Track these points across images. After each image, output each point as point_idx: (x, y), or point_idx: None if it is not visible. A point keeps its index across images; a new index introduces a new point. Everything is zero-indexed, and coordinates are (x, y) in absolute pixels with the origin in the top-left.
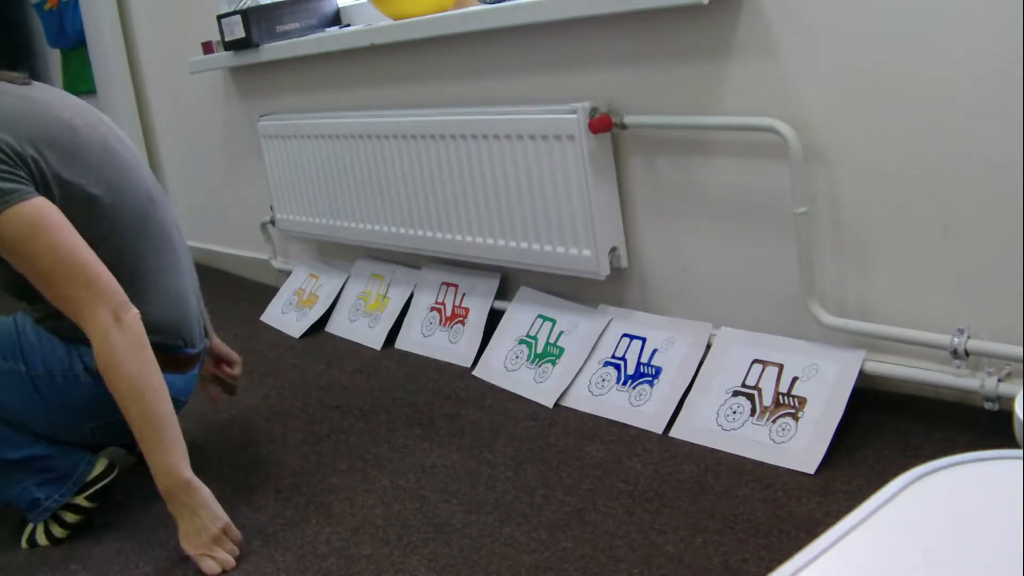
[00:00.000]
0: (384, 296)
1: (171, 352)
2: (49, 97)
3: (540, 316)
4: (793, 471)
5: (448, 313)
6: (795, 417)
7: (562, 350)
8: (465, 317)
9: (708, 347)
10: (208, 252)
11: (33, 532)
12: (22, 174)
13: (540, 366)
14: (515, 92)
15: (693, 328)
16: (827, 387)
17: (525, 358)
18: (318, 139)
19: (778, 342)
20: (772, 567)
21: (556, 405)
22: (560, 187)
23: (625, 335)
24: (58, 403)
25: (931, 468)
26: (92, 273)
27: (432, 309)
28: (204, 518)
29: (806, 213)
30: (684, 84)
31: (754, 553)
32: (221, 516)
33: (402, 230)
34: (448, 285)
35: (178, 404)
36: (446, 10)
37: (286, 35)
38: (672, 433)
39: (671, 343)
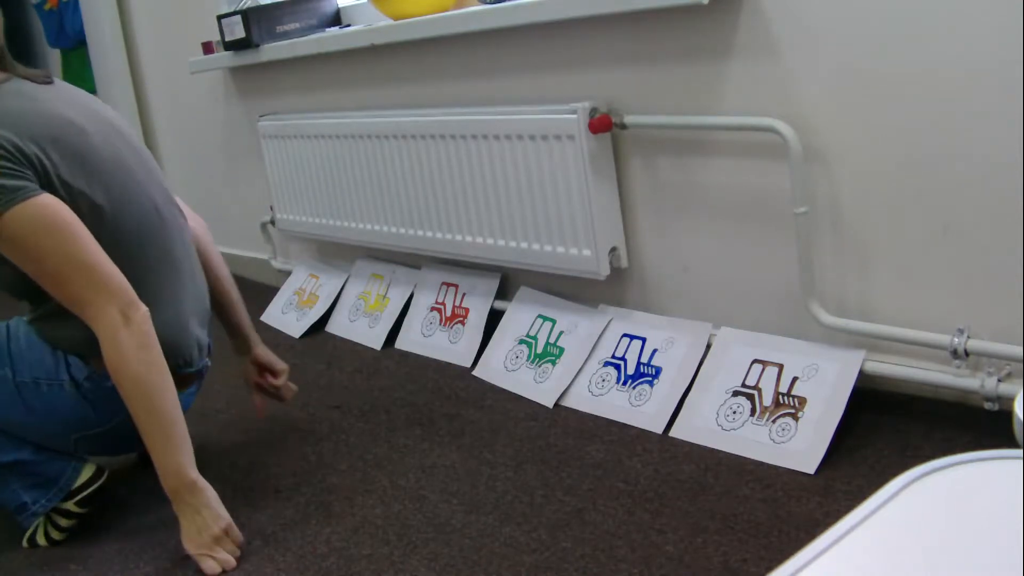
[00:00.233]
0: (384, 296)
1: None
2: (65, 98)
3: (540, 316)
4: (793, 471)
5: (448, 313)
6: (795, 417)
7: (562, 350)
8: (465, 317)
9: (708, 347)
10: None
11: (33, 533)
12: (28, 172)
13: (540, 366)
14: (515, 92)
15: (693, 328)
16: (827, 387)
17: (525, 358)
18: (318, 139)
19: (778, 342)
20: (772, 567)
21: (556, 405)
22: (560, 187)
23: (625, 335)
24: (41, 411)
25: (931, 468)
26: (101, 272)
27: (432, 309)
28: (207, 517)
29: (806, 213)
30: (684, 84)
31: (754, 553)
32: (223, 516)
33: (402, 230)
34: (448, 285)
35: None
36: (446, 10)
37: (286, 35)
38: (672, 433)
39: (671, 343)
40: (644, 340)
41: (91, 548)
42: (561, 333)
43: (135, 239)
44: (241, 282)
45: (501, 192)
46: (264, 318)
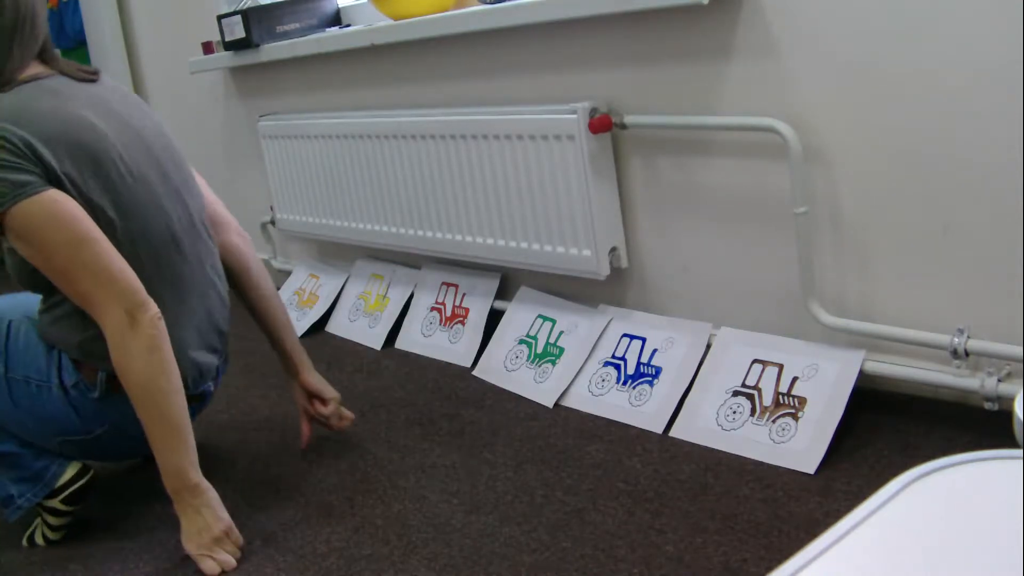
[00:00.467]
0: (384, 296)
1: None
2: (98, 103)
3: (540, 316)
4: (793, 471)
5: (448, 313)
6: (795, 417)
7: (562, 350)
8: (465, 317)
9: (708, 347)
10: None
11: (32, 533)
12: (37, 170)
13: (540, 366)
14: (515, 92)
15: (693, 328)
16: (827, 387)
17: (525, 358)
18: (318, 139)
19: (778, 342)
20: (772, 567)
21: (556, 405)
22: (560, 187)
23: (625, 335)
24: (28, 409)
25: (931, 468)
26: (109, 272)
27: (432, 309)
28: (207, 518)
29: (806, 213)
30: (684, 84)
31: (754, 553)
32: (224, 518)
33: (402, 230)
34: (448, 285)
35: None
36: (446, 10)
37: (286, 35)
38: (672, 433)
39: (671, 343)
40: (644, 340)
41: (91, 548)
42: (561, 333)
43: (140, 255)
44: None
45: (501, 192)
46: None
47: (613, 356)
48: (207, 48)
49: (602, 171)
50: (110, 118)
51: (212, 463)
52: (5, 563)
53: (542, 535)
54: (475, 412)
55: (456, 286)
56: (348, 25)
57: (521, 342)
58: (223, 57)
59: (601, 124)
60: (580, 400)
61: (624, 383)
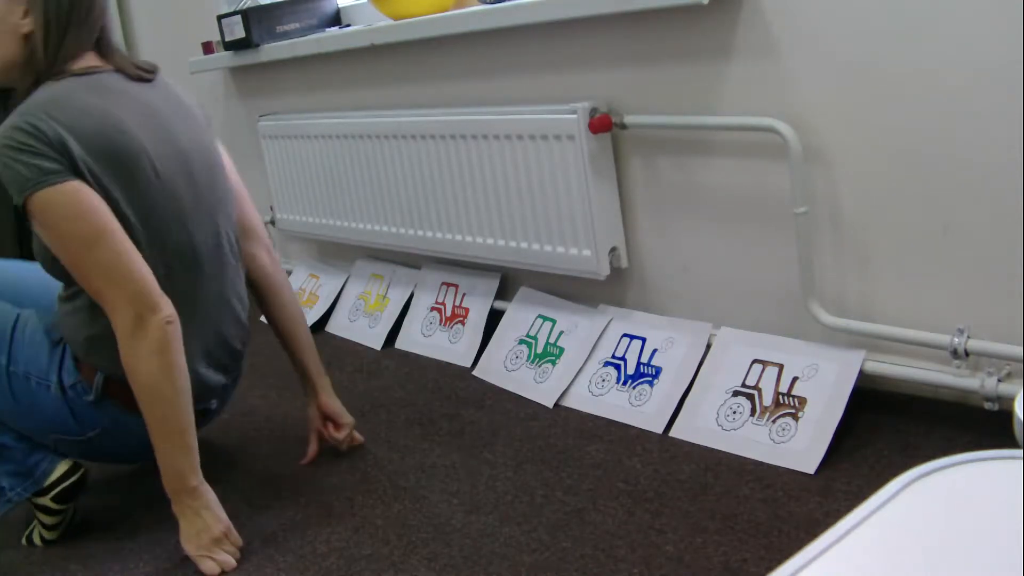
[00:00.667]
0: (384, 296)
1: None
2: (142, 107)
3: (540, 316)
4: (793, 471)
5: (448, 313)
6: (795, 417)
7: (562, 350)
8: (465, 317)
9: (708, 347)
10: None
11: (31, 532)
12: (64, 161)
13: (540, 366)
14: (515, 92)
15: (693, 328)
16: (827, 387)
17: (525, 358)
18: (318, 139)
19: (778, 342)
20: (772, 567)
21: (556, 405)
22: (560, 187)
23: (625, 335)
24: (26, 405)
25: (931, 468)
26: (122, 269)
27: (432, 309)
28: (207, 519)
29: (806, 213)
30: (684, 84)
31: (754, 553)
32: (223, 520)
33: (402, 230)
34: (448, 285)
35: None
36: (446, 10)
37: (286, 35)
38: (672, 433)
39: (671, 343)
40: (644, 340)
41: (91, 548)
42: (561, 333)
43: (155, 268)
44: None
45: (501, 192)
46: (264, 319)
47: (613, 356)
48: (207, 48)
49: (602, 171)
50: (150, 126)
51: (212, 463)
52: (5, 563)
53: (542, 535)
54: (475, 412)
55: (456, 286)
56: (348, 25)
57: (521, 342)
58: (223, 57)
59: (601, 124)
60: (580, 400)
61: (624, 383)
